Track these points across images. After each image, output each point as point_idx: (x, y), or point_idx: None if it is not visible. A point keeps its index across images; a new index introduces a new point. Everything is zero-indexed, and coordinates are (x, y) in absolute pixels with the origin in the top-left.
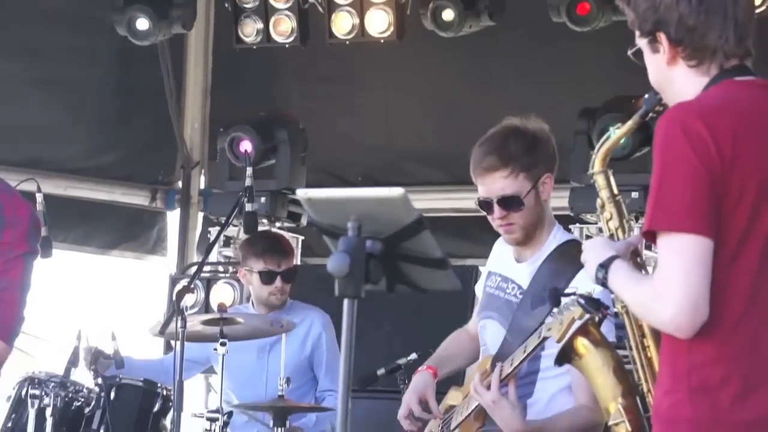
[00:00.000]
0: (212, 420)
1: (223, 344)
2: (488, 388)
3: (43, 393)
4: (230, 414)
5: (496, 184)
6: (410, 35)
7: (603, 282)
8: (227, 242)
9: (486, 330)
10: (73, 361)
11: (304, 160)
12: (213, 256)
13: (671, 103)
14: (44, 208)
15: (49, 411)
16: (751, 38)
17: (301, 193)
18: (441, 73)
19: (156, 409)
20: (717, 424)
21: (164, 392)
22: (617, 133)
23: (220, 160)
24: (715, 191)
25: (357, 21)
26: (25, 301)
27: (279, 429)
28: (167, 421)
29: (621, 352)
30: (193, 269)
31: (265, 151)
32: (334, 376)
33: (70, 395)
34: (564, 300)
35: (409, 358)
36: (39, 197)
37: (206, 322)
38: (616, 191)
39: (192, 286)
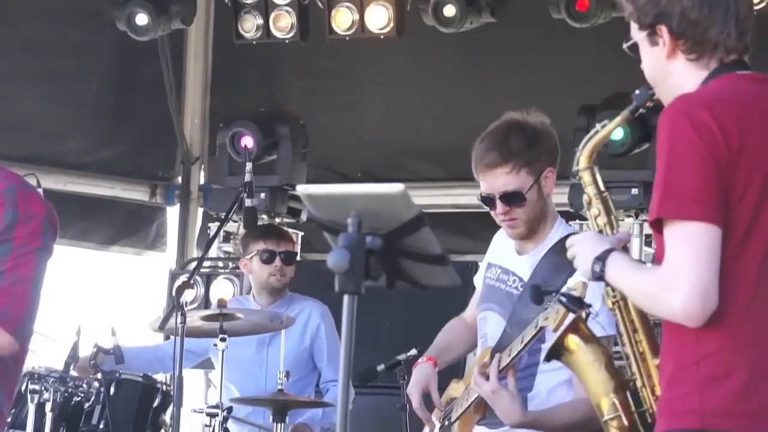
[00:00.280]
0: (212, 415)
1: (222, 340)
2: (487, 379)
3: (43, 388)
4: (230, 409)
5: (498, 180)
6: (410, 31)
7: (600, 275)
8: (227, 238)
9: (486, 322)
10: (72, 357)
11: (305, 156)
12: (213, 252)
13: (666, 97)
14: None
15: (48, 406)
16: (749, 34)
17: (301, 189)
18: (441, 69)
19: (156, 404)
20: (726, 414)
21: (164, 387)
22: (604, 129)
23: (220, 155)
24: (722, 180)
25: (357, 17)
26: (37, 298)
27: (279, 424)
28: (167, 416)
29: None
30: (193, 265)
31: (266, 146)
32: (337, 366)
33: (70, 390)
34: (546, 298)
35: (408, 353)
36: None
37: (206, 318)
38: (602, 187)
39: (192, 281)
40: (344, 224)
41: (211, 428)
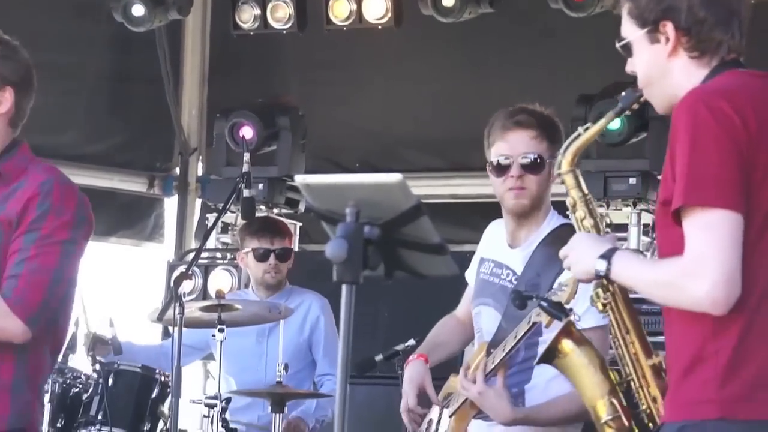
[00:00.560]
0: (210, 406)
1: (221, 330)
2: (474, 381)
3: None
4: (228, 400)
5: (522, 141)
6: (408, 21)
7: (605, 274)
8: (225, 229)
9: (481, 316)
10: (71, 347)
11: (304, 147)
12: (211, 243)
13: (661, 96)
14: None
15: (47, 397)
16: (745, 36)
17: (300, 179)
18: (439, 59)
19: (154, 395)
20: (745, 402)
21: (162, 378)
22: (587, 132)
23: (218, 146)
24: (743, 166)
25: (354, 7)
26: (58, 290)
27: (278, 415)
28: (165, 407)
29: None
30: (191, 256)
31: (266, 137)
32: (333, 360)
33: (69, 381)
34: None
35: (407, 344)
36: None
37: (204, 309)
38: (586, 190)
39: (190, 272)
40: (342, 214)
41: (210, 419)
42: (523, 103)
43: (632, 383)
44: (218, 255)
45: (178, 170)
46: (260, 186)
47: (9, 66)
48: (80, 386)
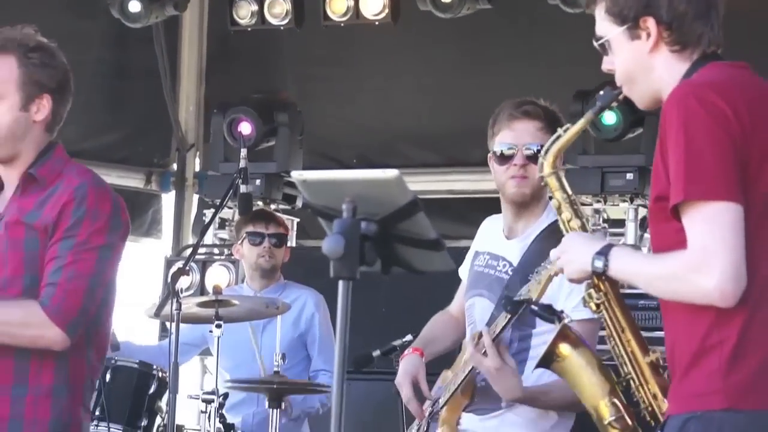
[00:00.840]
0: (208, 401)
1: (218, 326)
2: (486, 356)
3: None
4: (226, 395)
5: (528, 131)
6: (405, 17)
7: (603, 271)
8: (222, 224)
9: (474, 308)
10: None
11: (302, 143)
12: (208, 239)
13: (643, 93)
14: None
15: None
16: (722, 28)
17: (296, 175)
18: (436, 55)
19: (151, 390)
20: (751, 392)
21: (160, 374)
22: (567, 133)
23: (215, 141)
24: (739, 157)
25: (352, 3)
26: (96, 295)
27: (275, 411)
28: (163, 403)
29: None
30: (188, 251)
31: (265, 133)
32: (328, 356)
33: None
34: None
35: (404, 339)
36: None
37: (201, 304)
38: (570, 191)
39: (187, 268)
40: (339, 210)
41: (207, 414)
42: (521, 97)
43: (632, 382)
44: (215, 251)
45: (175, 166)
46: (257, 182)
47: (47, 73)
48: None
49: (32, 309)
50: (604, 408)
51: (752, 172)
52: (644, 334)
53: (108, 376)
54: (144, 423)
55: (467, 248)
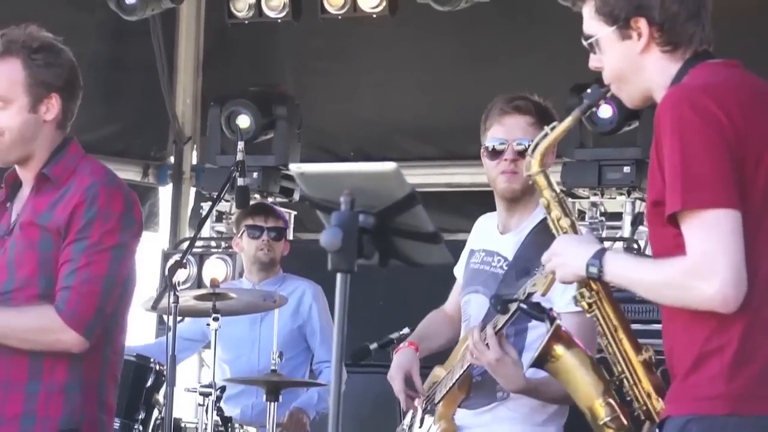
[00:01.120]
0: (205, 394)
1: (215, 319)
2: (488, 348)
3: None
4: (223, 389)
5: (519, 126)
6: (403, 10)
7: (597, 276)
8: (219, 217)
9: (470, 304)
10: None
11: (300, 136)
12: (205, 232)
13: (634, 92)
14: None
15: None
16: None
17: (294, 168)
18: (434, 48)
19: (149, 384)
20: (754, 397)
21: (157, 367)
22: (554, 132)
23: (212, 134)
24: (734, 162)
25: None
26: (111, 296)
27: (272, 404)
28: (160, 396)
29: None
30: (186, 244)
31: (264, 126)
32: (330, 346)
33: None
34: (511, 306)
35: (401, 332)
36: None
37: (199, 297)
38: (557, 189)
39: (184, 261)
40: (337, 203)
41: (204, 407)
42: (518, 91)
43: (625, 381)
44: (213, 244)
45: (172, 159)
46: (255, 175)
47: (53, 72)
48: None
49: (48, 314)
50: (599, 408)
51: (748, 175)
52: (642, 327)
53: None
54: (141, 416)
55: (465, 241)
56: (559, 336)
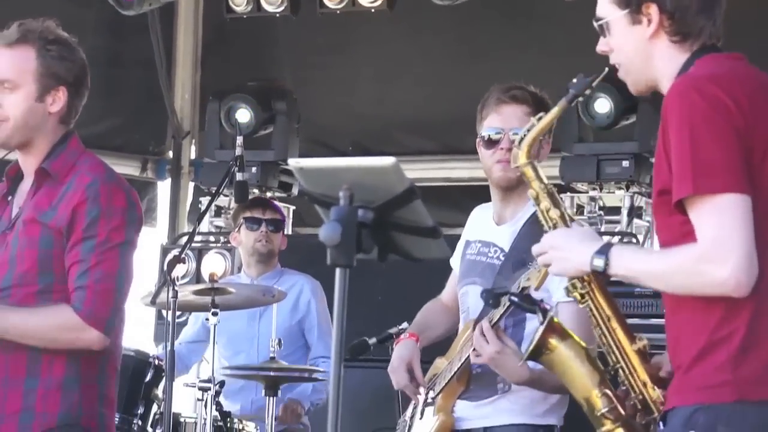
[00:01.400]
0: (204, 389)
1: (214, 314)
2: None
3: None
4: (222, 383)
5: (515, 115)
6: (402, 5)
7: (603, 270)
8: (218, 212)
9: (468, 296)
10: None
11: (298, 131)
12: (204, 226)
13: (638, 78)
14: None
15: None
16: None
17: (293, 163)
18: (433, 43)
19: (148, 378)
20: (761, 382)
21: (156, 362)
22: (540, 122)
23: (210, 129)
24: (744, 148)
25: None
26: (124, 292)
27: (271, 399)
28: (159, 391)
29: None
30: (184, 239)
31: (263, 121)
32: (327, 342)
33: None
34: (503, 298)
35: (400, 326)
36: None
37: (197, 292)
38: (546, 181)
39: (183, 256)
40: (336, 197)
41: (203, 402)
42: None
43: (620, 371)
44: (211, 238)
45: (171, 154)
46: (253, 169)
47: (64, 66)
48: None
49: (67, 313)
50: (596, 399)
51: (756, 164)
52: (640, 321)
53: None
54: (140, 411)
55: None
56: (553, 328)
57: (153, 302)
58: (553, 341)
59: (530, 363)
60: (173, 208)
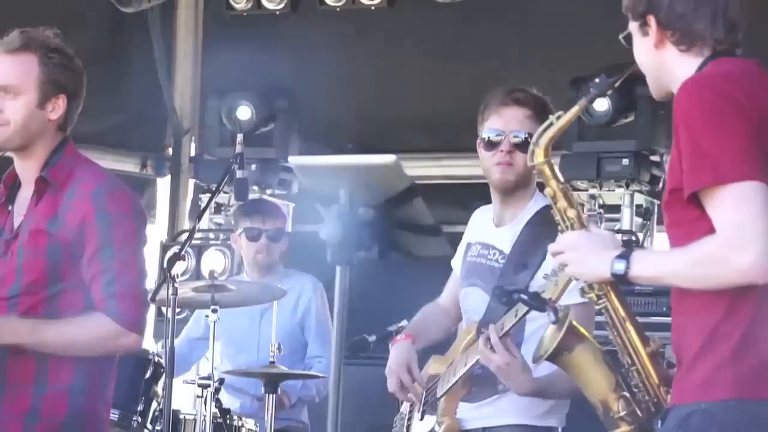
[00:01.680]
0: (203, 386)
1: (214, 311)
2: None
3: None
4: (222, 381)
5: (516, 118)
6: (401, 2)
7: (624, 274)
8: (218, 209)
9: (468, 298)
10: None
11: (299, 128)
12: (204, 223)
13: (659, 85)
14: None
15: None
16: (740, 32)
17: (294, 161)
18: (433, 40)
19: (148, 375)
20: (759, 380)
21: (156, 359)
22: (559, 121)
23: (211, 126)
24: (759, 140)
25: None
26: (145, 288)
27: (271, 396)
28: (159, 388)
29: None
30: (184, 236)
31: (263, 118)
32: (323, 342)
33: None
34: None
35: (399, 324)
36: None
37: (197, 289)
38: (562, 179)
39: (183, 253)
40: (337, 195)
41: (203, 399)
42: (517, 84)
43: (634, 373)
44: (211, 235)
45: (171, 151)
46: (253, 167)
47: (65, 74)
48: None
49: (105, 323)
50: (613, 401)
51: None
52: (640, 319)
53: None
54: (140, 408)
55: (464, 234)
56: (570, 329)
57: (153, 299)
58: (570, 343)
59: (535, 373)
60: (173, 206)
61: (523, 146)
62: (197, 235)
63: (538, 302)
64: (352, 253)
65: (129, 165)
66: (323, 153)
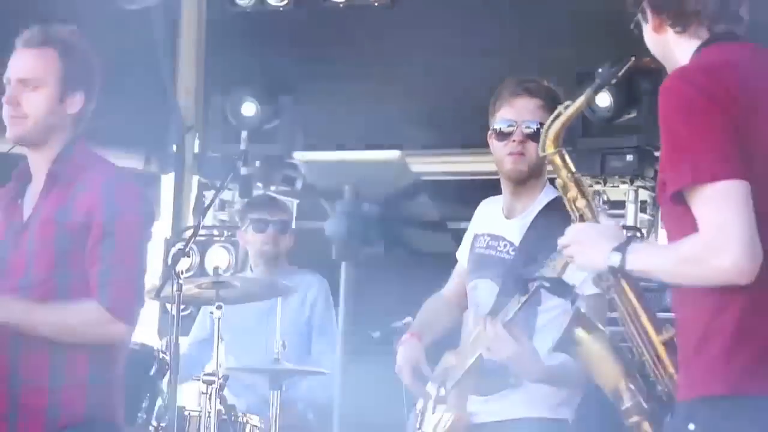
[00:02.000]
0: (208, 383)
1: (218, 308)
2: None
3: None
4: (226, 377)
5: (528, 108)
6: None
7: (620, 267)
8: (222, 206)
9: (478, 290)
10: None
11: (303, 124)
12: (208, 220)
13: (668, 69)
14: None
15: None
16: (739, 5)
17: (299, 156)
18: (437, 36)
19: (152, 372)
20: (754, 377)
21: (160, 355)
22: (567, 111)
23: (214, 123)
24: (738, 136)
25: None
26: (141, 281)
27: (275, 393)
28: (163, 385)
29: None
30: (188, 233)
31: (268, 114)
32: (328, 339)
33: None
34: (530, 285)
35: (404, 321)
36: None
37: (201, 286)
38: (574, 169)
39: (187, 249)
40: (341, 191)
41: (208, 396)
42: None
43: (647, 363)
44: (215, 232)
45: (175, 147)
46: (257, 163)
47: (85, 70)
48: None
49: (94, 308)
50: (625, 391)
51: (757, 152)
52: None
53: None
54: (145, 404)
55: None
56: (580, 320)
57: (157, 296)
58: (580, 334)
59: (547, 360)
60: (177, 202)
61: (535, 136)
62: (201, 231)
63: (562, 289)
64: (356, 249)
65: (133, 161)
66: (326, 149)
